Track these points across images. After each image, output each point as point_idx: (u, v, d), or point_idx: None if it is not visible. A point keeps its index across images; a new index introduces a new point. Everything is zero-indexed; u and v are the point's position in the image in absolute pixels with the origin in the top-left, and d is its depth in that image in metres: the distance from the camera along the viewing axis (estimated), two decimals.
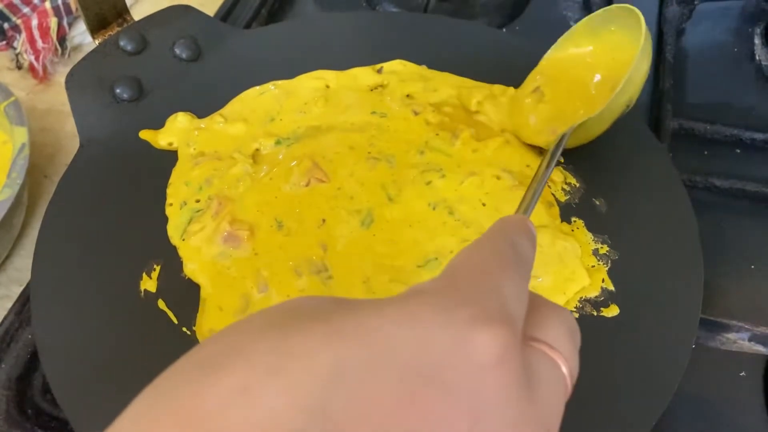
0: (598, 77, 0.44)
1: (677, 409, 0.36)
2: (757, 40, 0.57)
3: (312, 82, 0.49)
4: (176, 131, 0.46)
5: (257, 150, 0.45)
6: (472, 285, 0.20)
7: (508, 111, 0.47)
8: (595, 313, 0.37)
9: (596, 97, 0.43)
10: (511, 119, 0.46)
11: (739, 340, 0.39)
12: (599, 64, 0.44)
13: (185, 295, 0.38)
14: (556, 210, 0.41)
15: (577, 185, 0.43)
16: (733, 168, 0.49)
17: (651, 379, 0.34)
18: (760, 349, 0.39)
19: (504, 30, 0.61)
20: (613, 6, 0.43)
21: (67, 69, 0.48)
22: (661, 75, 0.55)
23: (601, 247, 0.40)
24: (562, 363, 0.21)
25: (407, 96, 0.48)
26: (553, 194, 0.42)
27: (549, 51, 0.47)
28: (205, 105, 0.48)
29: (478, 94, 0.47)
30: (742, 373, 0.40)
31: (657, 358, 0.35)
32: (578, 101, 0.44)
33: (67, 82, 0.46)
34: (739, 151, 0.51)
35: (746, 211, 0.47)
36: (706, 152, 0.51)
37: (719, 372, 0.40)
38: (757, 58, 0.56)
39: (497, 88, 0.48)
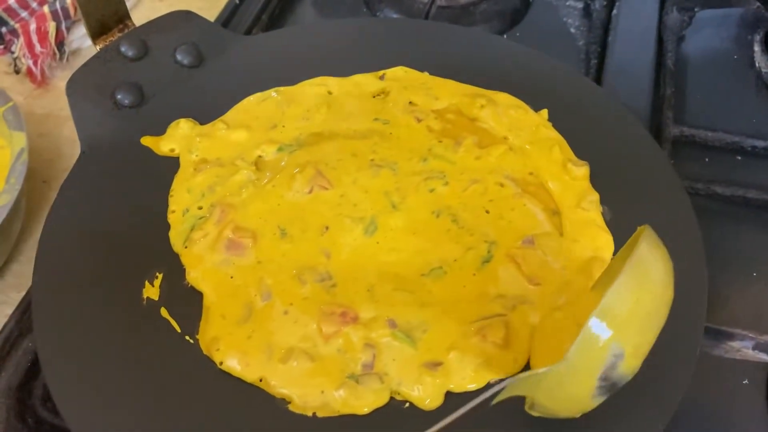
0: None
1: (681, 416, 0.36)
2: (756, 48, 0.57)
3: (314, 88, 0.49)
4: (178, 138, 0.46)
5: (260, 157, 0.45)
6: None
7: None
8: None
9: None
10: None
11: (743, 349, 0.39)
12: None
13: (188, 303, 0.38)
14: (559, 219, 0.41)
15: None
16: (734, 175, 0.49)
17: (656, 388, 0.34)
18: (763, 357, 0.39)
19: (505, 36, 0.61)
20: (638, 230, 0.32)
21: (66, 73, 0.47)
22: (662, 82, 0.55)
23: None
24: None
25: (410, 103, 0.48)
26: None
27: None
28: (207, 111, 0.47)
29: (480, 101, 0.47)
30: (745, 381, 0.40)
31: (662, 367, 0.35)
32: None
33: (67, 88, 0.46)
34: (740, 158, 0.51)
35: (748, 219, 0.47)
36: (707, 159, 0.51)
37: (722, 380, 0.40)
38: (757, 65, 0.56)
39: (500, 95, 0.48)
